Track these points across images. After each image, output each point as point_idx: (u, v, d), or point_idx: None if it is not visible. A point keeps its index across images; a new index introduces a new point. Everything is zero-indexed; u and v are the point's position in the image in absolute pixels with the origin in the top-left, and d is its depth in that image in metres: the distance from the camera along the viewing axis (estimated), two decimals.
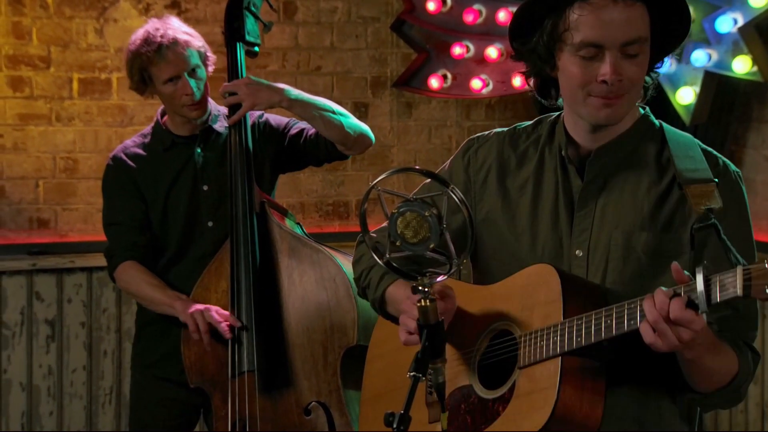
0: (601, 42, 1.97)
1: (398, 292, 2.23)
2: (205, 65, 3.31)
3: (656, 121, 2.14)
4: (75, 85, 4.74)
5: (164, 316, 3.31)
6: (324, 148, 3.30)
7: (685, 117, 4.35)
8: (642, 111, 2.14)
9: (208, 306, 3.17)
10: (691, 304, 1.81)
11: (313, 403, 3.11)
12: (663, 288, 1.84)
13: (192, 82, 3.24)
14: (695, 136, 4.50)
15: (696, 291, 1.80)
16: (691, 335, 1.83)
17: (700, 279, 1.78)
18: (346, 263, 3.10)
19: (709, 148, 2.11)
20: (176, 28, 3.27)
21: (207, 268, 3.25)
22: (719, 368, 1.97)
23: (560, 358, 1.95)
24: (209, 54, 3.34)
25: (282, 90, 3.23)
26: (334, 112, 3.27)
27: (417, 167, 2.04)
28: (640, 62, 2.01)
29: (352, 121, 3.30)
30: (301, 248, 3.17)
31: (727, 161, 2.10)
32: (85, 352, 4.74)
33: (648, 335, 1.85)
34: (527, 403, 1.99)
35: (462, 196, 1.87)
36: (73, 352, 4.73)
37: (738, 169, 2.10)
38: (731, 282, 1.75)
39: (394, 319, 2.29)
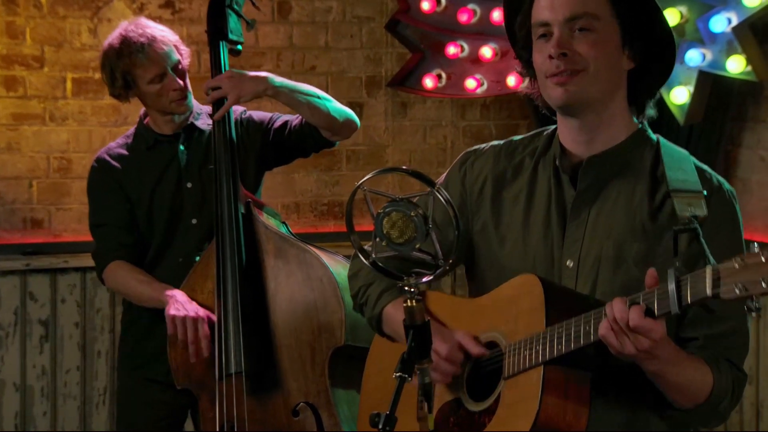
0: (548, 19, 2.02)
1: (397, 314, 2.21)
2: (182, 59, 3.31)
3: (653, 136, 2.13)
4: (69, 84, 4.73)
5: (150, 315, 3.30)
6: (310, 137, 3.28)
7: (680, 117, 4.34)
8: (640, 125, 2.12)
9: (199, 314, 3.10)
10: (650, 313, 1.81)
11: (302, 404, 3.10)
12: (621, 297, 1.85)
13: (177, 78, 3.25)
14: (690, 137, 4.58)
15: (654, 297, 1.80)
16: (649, 344, 1.83)
17: (672, 280, 1.77)
18: (332, 263, 3.09)
19: (705, 166, 2.10)
20: (152, 26, 3.28)
21: (192, 269, 3.23)
22: (689, 383, 1.95)
23: (543, 367, 1.94)
24: (182, 48, 3.33)
25: (266, 78, 3.21)
26: (319, 98, 3.26)
27: (404, 167, 2.04)
28: (594, 40, 2.00)
29: (336, 106, 3.28)
30: (287, 248, 3.15)
31: (722, 180, 2.08)
32: (78, 353, 4.74)
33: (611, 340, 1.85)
34: (511, 413, 1.99)
35: (447, 196, 1.86)
36: (67, 353, 4.72)
37: (732, 188, 2.08)
38: (701, 282, 1.74)
39: (390, 338, 2.30)
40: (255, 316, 3.13)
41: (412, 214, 1.83)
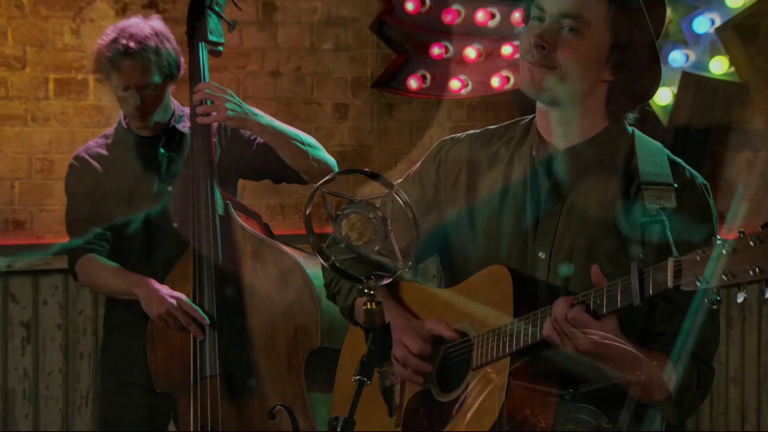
0: (544, 6, 2.02)
1: None
2: (170, 79, 3.26)
3: (629, 128, 2.13)
4: (51, 85, 4.71)
5: (131, 320, 3.28)
6: (288, 169, 3.28)
7: (663, 117, 4.34)
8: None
9: (177, 297, 3.11)
10: (588, 311, 1.86)
11: (278, 407, 3.08)
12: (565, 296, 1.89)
13: (138, 99, 3.20)
14: (677, 138, 4.55)
15: (592, 296, 1.86)
16: (588, 345, 1.85)
17: (634, 272, 1.79)
18: (309, 265, 3.07)
19: (679, 159, 2.10)
20: (150, 37, 3.20)
21: (172, 272, 3.22)
22: (648, 382, 1.95)
23: (509, 358, 1.95)
24: (181, 65, 3.29)
25: (256, 115, 3.20)
26: (303, 143, 3.25)
27: (365, 169, 2.03)
28: (576, 44, 2.00)
29: (320, 155, 3.28)
30: (264, 250, 3.14)
31: (695, 173, 2.08)
32: (61, 355, 4.71)
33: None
34: (478, 404, 1.99)
35: (406, 198, 1.87)
36: (49, 355, 4.69)
37: (706, 182, 2.08)
38: (662, 274, 1.76)
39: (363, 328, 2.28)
40: (231, 318, 3.12)
41: (371, 215, 1.83)
